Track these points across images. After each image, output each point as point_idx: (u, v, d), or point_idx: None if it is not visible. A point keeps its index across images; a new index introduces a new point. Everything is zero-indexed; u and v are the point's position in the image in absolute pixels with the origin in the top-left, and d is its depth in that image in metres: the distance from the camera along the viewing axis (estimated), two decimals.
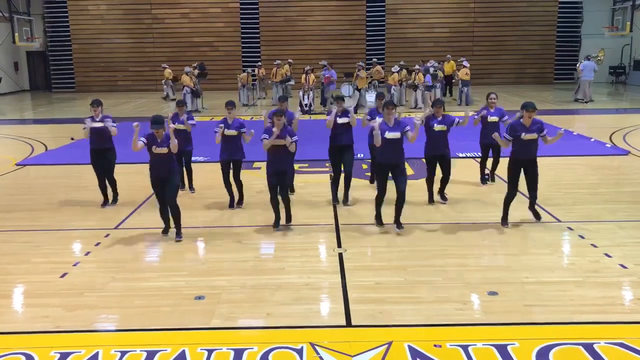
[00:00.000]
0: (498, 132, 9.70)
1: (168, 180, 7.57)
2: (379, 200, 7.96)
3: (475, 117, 9.87)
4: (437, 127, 8.83)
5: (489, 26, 31.27)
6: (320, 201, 9.34)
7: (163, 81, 26.85)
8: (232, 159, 8.85)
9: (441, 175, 9.12)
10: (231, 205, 9.06)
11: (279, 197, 7.90)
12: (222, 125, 8.73)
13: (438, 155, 8.98)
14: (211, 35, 31.43)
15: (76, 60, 32.00)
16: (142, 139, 7.54)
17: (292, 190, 9.61)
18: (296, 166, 10.04)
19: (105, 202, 9.30)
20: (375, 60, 25.35)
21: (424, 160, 9.26)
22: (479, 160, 10.70)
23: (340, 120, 8.94)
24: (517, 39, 31.15)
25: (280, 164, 7.81)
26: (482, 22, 31.28)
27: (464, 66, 22.16)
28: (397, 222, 7.87)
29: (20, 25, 30.15)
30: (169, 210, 7.69)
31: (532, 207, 8.08)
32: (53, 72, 32.35)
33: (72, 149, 14.23)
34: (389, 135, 7.63)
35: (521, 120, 7.83)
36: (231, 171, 8.92)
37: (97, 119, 9.06)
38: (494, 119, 9.76)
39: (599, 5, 30.69)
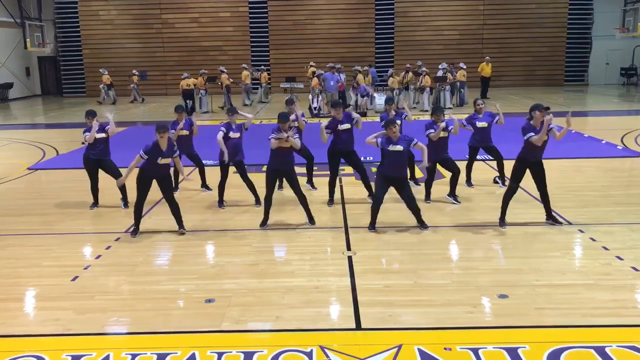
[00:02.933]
0: (489, 136, 9.80)
1: (164, 178, 7.92)
2: (375, 210, 7.98)
3: (464, 122, 9.89)
4: (441, 134, 8.94)
5: (498, 28, 31.18)
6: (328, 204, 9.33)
7: (101, 86, 27.62)
8: (234, 160, 9.14)
9: (450, 176, 9.24)
10: (220, 205, 9.29)
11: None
12: (224, 129, 9.11)
13: (439, 160, 9.09)
14: (220, 40, 31.58)
15: (87, 65, 32.25)
16: (143, 156, 7.70)
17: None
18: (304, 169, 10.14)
19: (94, 204, 9.45)
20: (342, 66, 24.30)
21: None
22: (488, 163, 10.70)
23: (341, 127, 8.99)
24: (527, 41, 31.03)
25: (280, 165, 8.05)
26: (491, 24, 31.19)
27: (462, 68, 23.06)
28: (421, 223, 7.98)
29: (31, 31, 30.46)
30: (170, 205, 7.99)
31: (549, 214, 8.05)
32: (64, 77, 32.64)
33: (83, 153, 14.28)
34: (393, 148, 7.67)
35: (531, 122, 7.81)
36: (235, 174, 9.14)
37: (97, 129, 9.22)
38: (483, 124, 9.82)
39: (610, 7, 30.50)
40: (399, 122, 8.73)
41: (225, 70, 24.04)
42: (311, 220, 8.26)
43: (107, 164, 9.34)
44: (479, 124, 9.84)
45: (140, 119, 20.95)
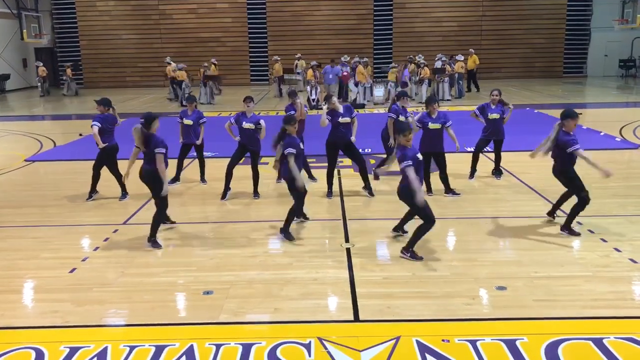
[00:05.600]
0: (501, 129, 9.76)
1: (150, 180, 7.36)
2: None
3: (477, 112, 9.99)
4: (432, 126, 8.87)
5: (497, 20, 31.11)
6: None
7: (37, 78, 28.05)
8: (249, 148, 9.13)
9: (439, 173, 9.19)
10: (223, 197, 9.23)
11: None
12: (232, 121, 9.21)
13: (433, 153, 8.95)
14: (218, 31, 31.47)
15: (84, 57, 32.14)
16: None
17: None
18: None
19: (89, 196, 9.39)
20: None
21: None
22: (487, 155, 10.70)
23: (342, 120, 8.96)
24: (526, 32, 30.96)
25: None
26: (490, 16, 31.11)
27: (459, 60, 23.14)
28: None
29: (28, 22, 30.32)
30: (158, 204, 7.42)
31: (553, 210, 7.95)
32: (61, 69, 32.47)
33: (80, 145, 14.29)
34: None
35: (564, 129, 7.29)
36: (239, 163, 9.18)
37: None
38: (495, 115, 9.77)
39: None
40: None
41: (171, 62, 24.68)
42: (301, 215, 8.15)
43: (103, 155, 9.27)
44: (491, 115, 9.79)
45: (138, 110, 20.85)
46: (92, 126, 9.07)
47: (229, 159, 9.29)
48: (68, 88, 28.12)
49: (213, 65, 24.29)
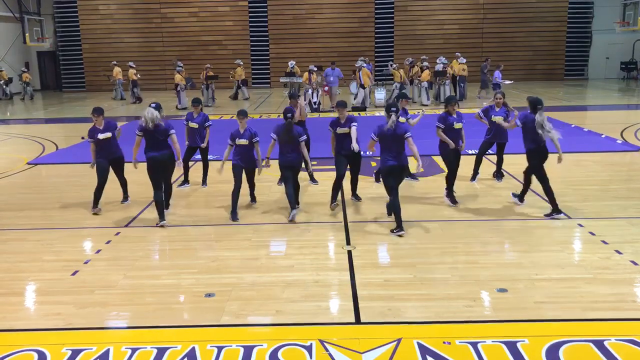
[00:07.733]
0: (503, 131, 9.73)
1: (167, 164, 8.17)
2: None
3: (480, 114, 9.96)
4: (457, 125, 8.75)
5: (498, 22, 31.12)
6: (329, 199, 9.31)
7: (1, 82, 28.54)
8: (244, 167, 8.63)
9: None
10: (233, 212, 8.59)
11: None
12: (230, 143, 8.64)
13: (456, 150, 8.83)
14: (220, 34, 31.53)
15: (86, 60, 32.21)
16: (138, 132, 8.16)
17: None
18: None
19: (95, 206, 8.94)
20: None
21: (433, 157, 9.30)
22: (488, 157, 10.71)
23: (340, 131, 8.62)
24: (527, 35, 30.97)
25: (286, 159, 8.22)
26: (491, 19, 31.13)
27: (461, 63, 23.09)
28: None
29: (30, 25, 30.42)
30: (165, 189, 8.25)
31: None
32: (63, 72, 32.61)
33: (82, 148, 14.30)
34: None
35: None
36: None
37: (101, 129, 8.90)
38: (499, 118, 9.74)
39: (610, 1, 30.44)
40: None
41: (133, 65, 25.38)
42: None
43: (119, 162, 9.18)
44: (494, 118, 9.76)
45: (139, 113, 20.94)
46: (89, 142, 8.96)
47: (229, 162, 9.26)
48: (25, 92, 28.34)
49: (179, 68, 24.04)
